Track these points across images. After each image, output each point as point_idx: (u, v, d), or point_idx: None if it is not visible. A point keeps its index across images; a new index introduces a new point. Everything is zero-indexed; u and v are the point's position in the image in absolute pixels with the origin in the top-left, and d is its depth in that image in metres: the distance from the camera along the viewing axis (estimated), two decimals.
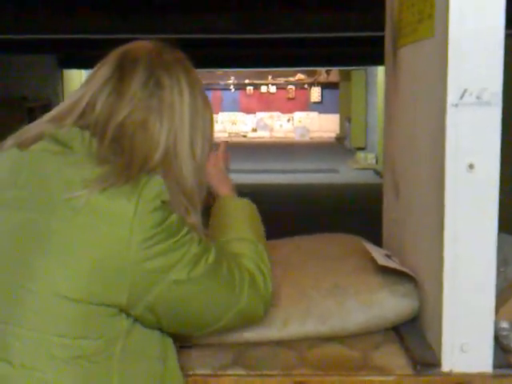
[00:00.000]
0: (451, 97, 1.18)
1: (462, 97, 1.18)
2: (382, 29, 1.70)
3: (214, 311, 1.15)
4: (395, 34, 1.58)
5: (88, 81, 1.18)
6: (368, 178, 12.95)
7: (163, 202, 1.06)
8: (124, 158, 1.08)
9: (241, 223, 1.30)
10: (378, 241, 1.70)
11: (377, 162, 14.40)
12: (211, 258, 1.13)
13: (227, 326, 1.19)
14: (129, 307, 1.04)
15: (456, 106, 1.18)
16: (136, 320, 1.07)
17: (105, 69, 1.17)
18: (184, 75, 1.18)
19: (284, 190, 11.40)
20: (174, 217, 1.08)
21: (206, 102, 1.22)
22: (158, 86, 1.15)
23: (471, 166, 1.19)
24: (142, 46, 1.20)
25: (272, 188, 11.61)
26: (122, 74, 1.15)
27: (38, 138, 1.13)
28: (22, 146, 1.12)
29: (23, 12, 5.88)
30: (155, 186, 1.06)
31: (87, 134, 1.11)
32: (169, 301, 1.08)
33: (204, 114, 1.21)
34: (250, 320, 1.24)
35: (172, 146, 1.14)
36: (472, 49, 1.17)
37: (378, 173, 12.81)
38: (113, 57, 1.18)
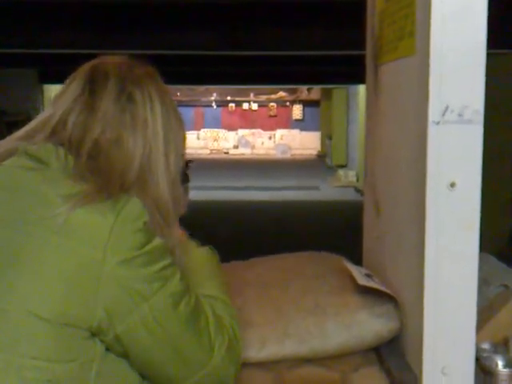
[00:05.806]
0: (433, 114, 1.17)
1: (443, 114, 1.17)
2: (364, 47, 1.69)
3: (182, 367, 1.07)
4: (376, 52, 1.57)
5: (58, 97, 1.15)
6: (348, 195, 12.98)
7: (145, 224, 1.03)
8: (102, 176, 1.05)
9: (207, 277, 1.23)
10: (358, 259, 1.68)
11: (357, 179, 14.45)
12: (192, 302, 1.07)
13: None
14: (100, 332, 1.00)
15: (437, 123, 1.17)
16: None
17: (75, 85, 1.14)
18: (155, 89, 1.15)
19: (265, 207, 11.39)
20: (157, 241, 1.04)
21: (178, 116, 1.20)
22: (130, 101, 1.12)
23: (452, 185, 1.18)
24: (111, 60, 1.18)
25: (253, 205, 11.59)
26: (92, 89, 1.12)
27: (11, 153, 1.10)
28: None
29: (3, 26, 5.84)
30: (136, 205, 1.03)
31: (62, 150, 1.07)
32: (137, 338, 1.02)
33: (176, 128, 1.18)
34: None
35: (146, 161, 1.11)
36: (454, 66, 1.16)
37: (358, 190, 12.84)
38: (82, 72, 1.16)
